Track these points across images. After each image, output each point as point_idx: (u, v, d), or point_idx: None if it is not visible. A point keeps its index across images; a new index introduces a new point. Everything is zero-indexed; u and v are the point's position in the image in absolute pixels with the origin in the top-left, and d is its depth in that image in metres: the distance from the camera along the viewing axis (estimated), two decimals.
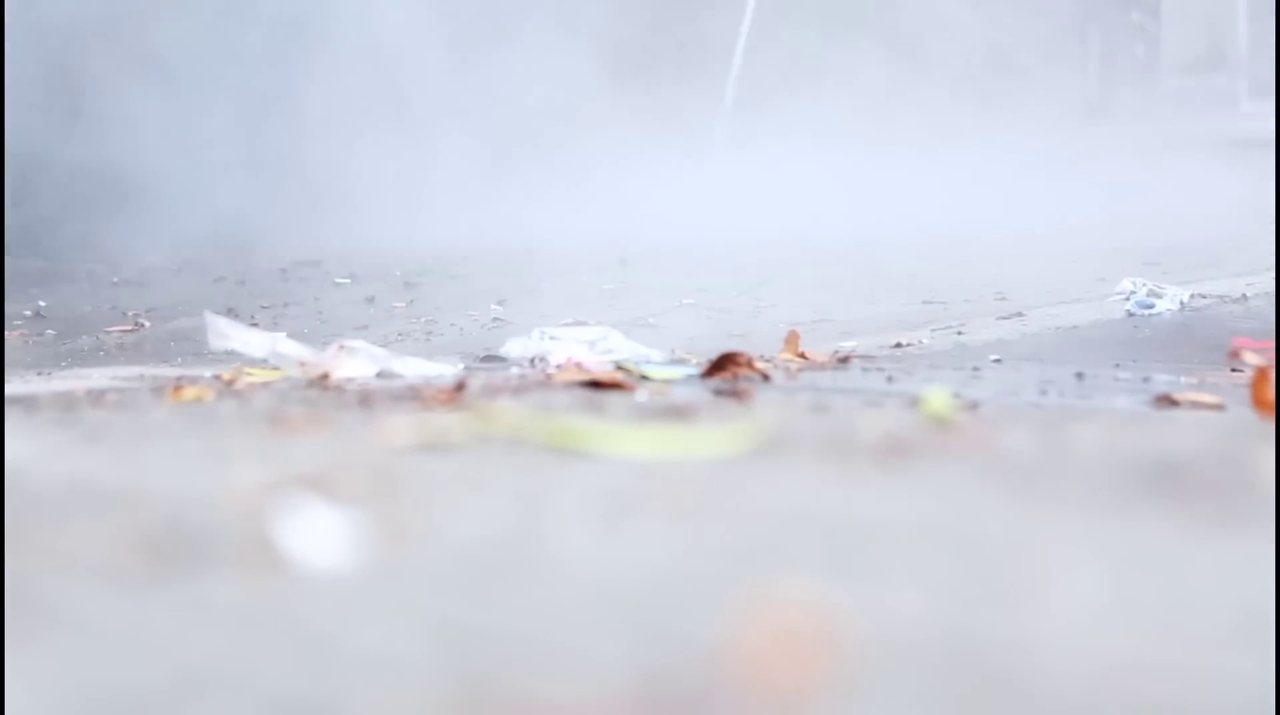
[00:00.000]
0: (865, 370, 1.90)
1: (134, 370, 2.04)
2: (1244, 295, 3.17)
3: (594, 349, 1.85)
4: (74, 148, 5.06)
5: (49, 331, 3.65)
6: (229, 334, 1.62)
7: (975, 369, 2.03)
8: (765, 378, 1.62)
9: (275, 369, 1.63)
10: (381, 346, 1.76)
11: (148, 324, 3.71)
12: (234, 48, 5.48)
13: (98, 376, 1.88)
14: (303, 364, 1.57)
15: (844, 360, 2.07)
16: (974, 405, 1.33)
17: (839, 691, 0.45)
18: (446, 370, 1.72)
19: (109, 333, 3.52)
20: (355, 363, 1.57)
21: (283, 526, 0.67)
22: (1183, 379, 1.88)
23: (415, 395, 1.33)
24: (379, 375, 1.58)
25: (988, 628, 0.52)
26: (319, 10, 5.71)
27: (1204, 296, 3.16)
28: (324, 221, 5.72)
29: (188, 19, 5.39)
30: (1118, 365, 2.23)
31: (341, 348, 1.61)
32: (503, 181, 6.28)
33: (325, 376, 1.55)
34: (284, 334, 1.66)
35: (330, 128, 5.87)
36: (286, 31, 5.50)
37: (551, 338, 1.90)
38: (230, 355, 1.66)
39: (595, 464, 0.90)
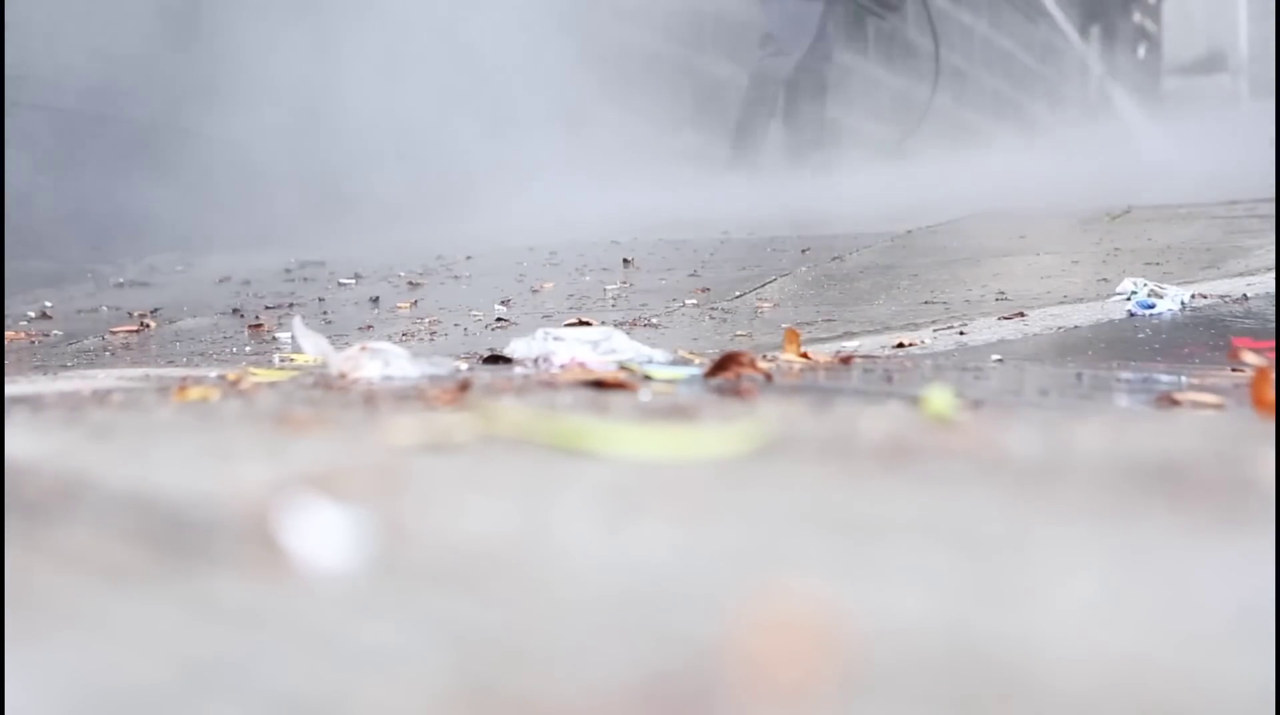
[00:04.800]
0: (867, 370, 1.90)
1: (139, 370, 2.04)
2: (1244, 295, 3.17)
3: (597, 349, 1.85)
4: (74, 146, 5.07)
5: (55, 332, 3.65)
6: (306, 336, 1.66)
7: (977, 369, 2.03)
8: (768, 377, 1.62)
9: (282, 369, 1.64)
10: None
11: (153, 324, 3.71)
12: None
13: (103, 376, 1.88)
14: (337, 370, 1.60)
15: (846, 360, 2.07)
16: (976, 405, 1.33)
17: (841, 691, 0.46)
18: (454, 367, 1.72)
19: (114, 333, 3.52)
20: (376, 363, 1.59)
21: (287, 525, 0.68)
22: (1183, 379, 1.89)
23: (419, 395, 1.33)
24: (384, 375, 1.58)
25: (989, 627, 0.52)
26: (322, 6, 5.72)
27: (1204, 296, 3.16)
28: (328, 221, 5.73)
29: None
30: (1119, 365, 2.24)
31: (364, 348, 1.62)
32: (505, 180, 6.29)
33: (344, 376, 1.57)
34: (326, 339, 1.68)
35: (334, 126, 5.88)
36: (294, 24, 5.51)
37: (555, 338, 1.90)
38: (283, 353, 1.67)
39: (599, 463, 0.90)
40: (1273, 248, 3.72)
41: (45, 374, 2.06)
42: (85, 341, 3.36)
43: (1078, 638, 0.50)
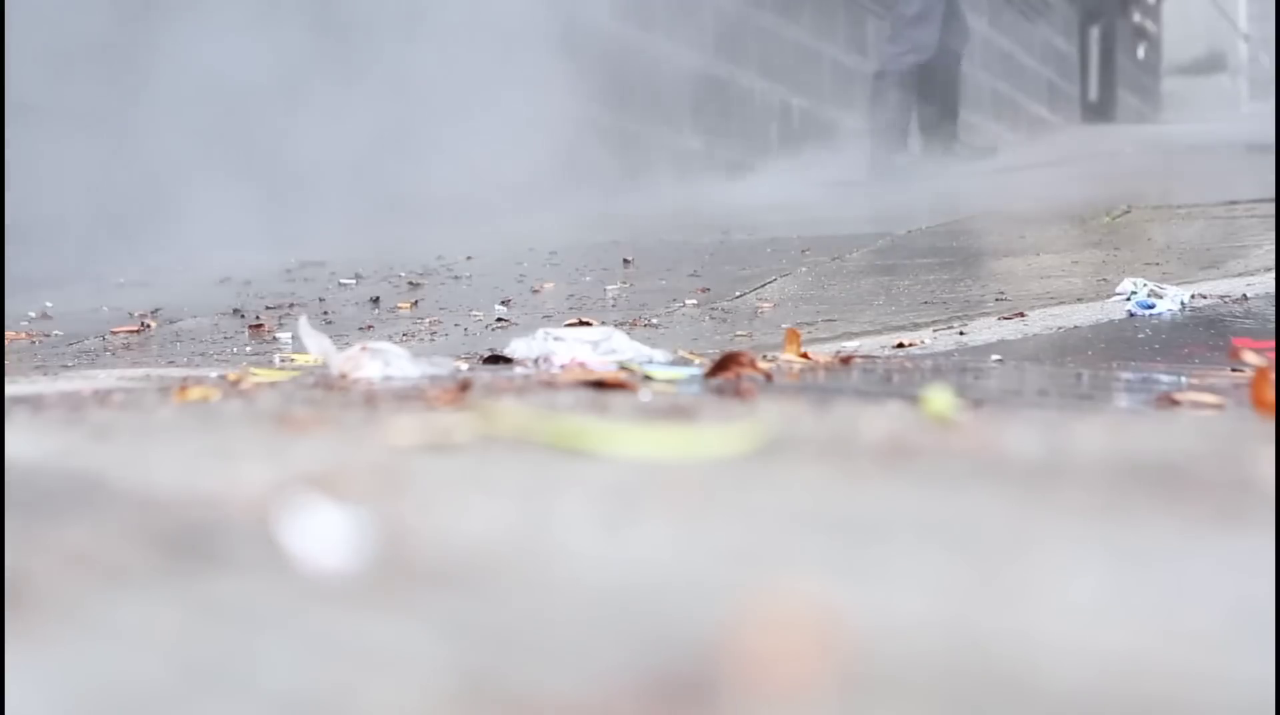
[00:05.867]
0: (867, 370, 1.90)
1: (140, 371, 2.04)
2: (1244, 295, 3.17)
3: (597, 349, 1.85)
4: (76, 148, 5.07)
5: (55, 332, 3.65)
6: (310, 335, 1.66)
7: (977, 369, 2.03)
8: (768, 377, 1.62)
9: (282, 369, 1.64)
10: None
11: (153, 324, 3.71)
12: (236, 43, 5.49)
13: (104, 376, 1.88)
14: (337, 370, 1.60)
15: (846, 360, 2.07)
16: (976, 405, 1.33)
17: (840, 690, 0.46)
18: (454, 367, 1.72)
19: (115, 333, 3.52)
20: (377, 364, 1.59)
21: (288, 525, 0.68)
22: (1183, 379, 1.89)
23: (420, 395, 1.33)
24: (385, 376, 1.58)
25: (989, 626, 0.52)
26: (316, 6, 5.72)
27: (1204, 296, 3.16)
28: (328, 221, 5.73)
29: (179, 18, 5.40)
30: (1119, 365, 2.24)
31: (365, 348, 1.62)
32: (507, 180, 6.29)
33: (344, 376, 1.57)
34: (329, 339, 1.68)
35: (333, 125, 5.88)
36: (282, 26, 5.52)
37: (555, 338, 1.90)
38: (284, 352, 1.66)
39: (599, 463, 0.90)
40: (1273, 248, 3.72)
41: (46, 374, 2.06)
42: (86, 341, 3.36)
43: (1077, 637, 0.51)
